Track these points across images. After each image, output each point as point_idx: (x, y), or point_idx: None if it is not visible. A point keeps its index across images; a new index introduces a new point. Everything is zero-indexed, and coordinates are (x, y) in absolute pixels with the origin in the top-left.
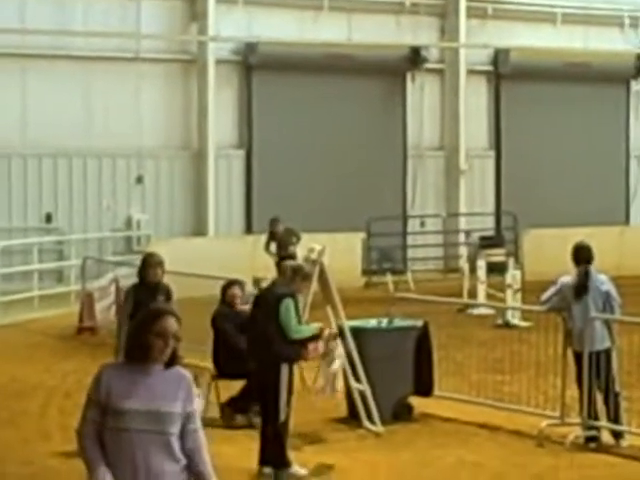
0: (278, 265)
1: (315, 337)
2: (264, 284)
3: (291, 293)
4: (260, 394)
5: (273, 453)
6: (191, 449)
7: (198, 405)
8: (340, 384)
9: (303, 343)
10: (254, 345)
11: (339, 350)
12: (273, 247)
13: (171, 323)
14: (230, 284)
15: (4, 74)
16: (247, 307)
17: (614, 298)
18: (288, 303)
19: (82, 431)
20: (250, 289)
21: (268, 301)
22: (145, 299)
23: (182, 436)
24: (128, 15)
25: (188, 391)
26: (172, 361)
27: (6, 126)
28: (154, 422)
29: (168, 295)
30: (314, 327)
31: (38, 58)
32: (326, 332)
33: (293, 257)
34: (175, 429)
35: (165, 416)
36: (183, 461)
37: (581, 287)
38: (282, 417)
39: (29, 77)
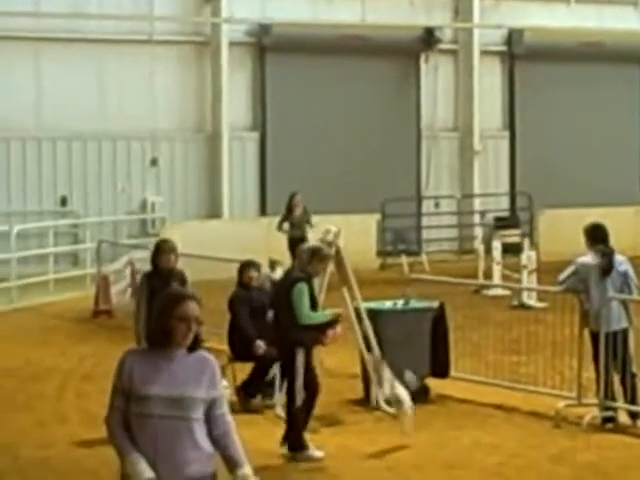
0: (291, 246)
1: (331, 323)
2: (279, 268)
3: (305, 277)
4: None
5: (289, 436)
6: (219, 434)
7: (224, 391)
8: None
9: (321, 328)
10: (275, 330)
11: (387, 373)
12: (286, 226)
13: (193, 307)
14: (246, 265)
15: (18, 57)
16: (267, 289)
17: (632, 278)
18: (301, 288)
19: (110, 420)
20: (266, 271)
21: (284, 285)
22: (159, 286)
23: (209, 422)
24: None
25: (212, 376)
26: (195, 345)
27: (20, 109)
28: (177, 407)
29: (182, 281)
30: (328, 314)
31: (52, 41)
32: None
33: (305, 239)
34: (198, 414)
35: (188, 401)
36: (208, 449)
37: (610, 265)
38: (298, 401)
39: (43, 60)
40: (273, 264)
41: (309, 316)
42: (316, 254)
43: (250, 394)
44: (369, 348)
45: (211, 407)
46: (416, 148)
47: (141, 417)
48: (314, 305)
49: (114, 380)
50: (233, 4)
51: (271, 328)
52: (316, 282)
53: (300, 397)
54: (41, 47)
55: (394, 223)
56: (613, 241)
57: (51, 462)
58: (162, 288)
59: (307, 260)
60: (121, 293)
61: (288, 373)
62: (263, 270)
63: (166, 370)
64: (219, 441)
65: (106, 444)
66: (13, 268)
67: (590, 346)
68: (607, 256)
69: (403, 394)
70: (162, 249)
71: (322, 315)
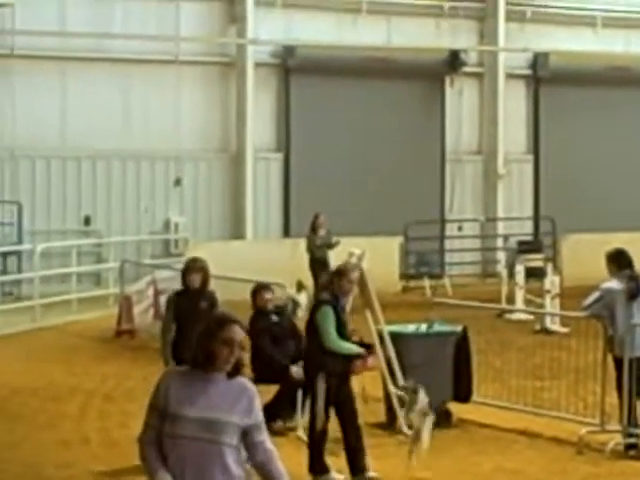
0: (312, 267)
1: (358, 356)
2: (304, 291)
3: (329, 300)
4: None
5: (310, 460)
6: (262, 461)
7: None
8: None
9: (349, 356)
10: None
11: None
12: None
13: (237, 331)
14: (259, 289)
15: (44, 76)
16: (289, 310)
17: None
18: (325, 310)
19: (143, 438)
20: (291, 292)
21: (312, 308)
22: (187, 306)
23: (250, 449)
24: (167, 18)
25: (250, 403)
26: (236, 371)
27: (46, 128)
28: (209, 430)
29: (212, 302)
30: (355, 347)
31: (78, 61)
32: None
33: (326, 262)
34: (231, 440)
35: (220, 425)
36: (238, 475)
37: (637, 290)
38: (318, 425)
39: (69, 79)
40: (300, 287)
41: (335, 341)
42: (335, 274)
43: (272, 417)
44: (392, 373)
45: (249, 434)
46: (440, 171)
47: (173, 437)
48: (341, 329)
49: (151, 398)
50: (258, 25)
51: (293, 352)
52: (348, 302)
53: (320, 421)
54: (67, 66)
55: (417, 246)
56: (637, 266)
57: None
58: (190, 309)
59: (330, 280)
60: (143, 313)
61: (310, 397)
62: (288, 291)
63: (202, 392)
64: (262, 468)
65: (126, 467)
66: (36, 287)
67: (613, 372)
68: (634, 280)
69: (426, 431)
70: (190, 268)
71: (349, 346)
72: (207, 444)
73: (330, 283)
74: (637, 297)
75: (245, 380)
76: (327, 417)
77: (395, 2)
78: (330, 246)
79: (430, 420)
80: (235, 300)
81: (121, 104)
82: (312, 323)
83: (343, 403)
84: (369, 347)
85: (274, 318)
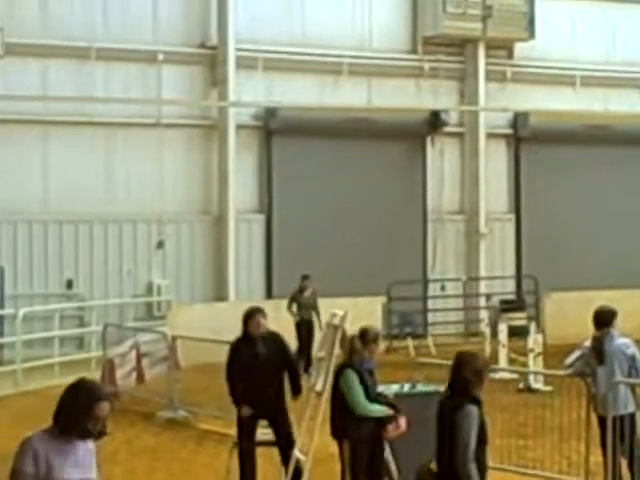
0: (298, 326)
1: (389, 419)
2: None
3: (351, 363)
4: None
5: None
6: None
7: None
8: None
9: (380, 420)
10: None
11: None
12: (295, 308)
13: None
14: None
15: (26, 140)
16: None
17: (639, 362)
18: (347, 374)
19: None
20: None
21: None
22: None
23: None
24: (149, 81)
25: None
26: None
27: (28, 192)
28: None
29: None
30: (385, 409)
31: (60, 124)
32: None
33: (312, 323)
34: None
35: None
36: None
37: (598, 352)
38: None
39: (51, 143)
40: None
41: (366, 406)
42: (369, 337)
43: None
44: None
45: None
46: (422, 231)
47: None
48: (367, 392)
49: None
50: (240, 88)
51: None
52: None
53: None
54: (49, 130)
55: (400, 306)
56: (622, 324)
57: None
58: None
59: (351, 342)
60: (126, 376)
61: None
62: None
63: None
64: None
65: None
66: (19, 351)
67: (597, 430)
68: (595, 341)
69: None
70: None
71: (379, 409)
72: None
73: (352, 348)
74: (603, 359)
75: None
76: None
77: (375, 63)
78: (316, 309)
79: None
80: (217, 362)
81: (103, 167)
82: (336, 389)
83: (376, 473)
84: (395, 407)
85: None
